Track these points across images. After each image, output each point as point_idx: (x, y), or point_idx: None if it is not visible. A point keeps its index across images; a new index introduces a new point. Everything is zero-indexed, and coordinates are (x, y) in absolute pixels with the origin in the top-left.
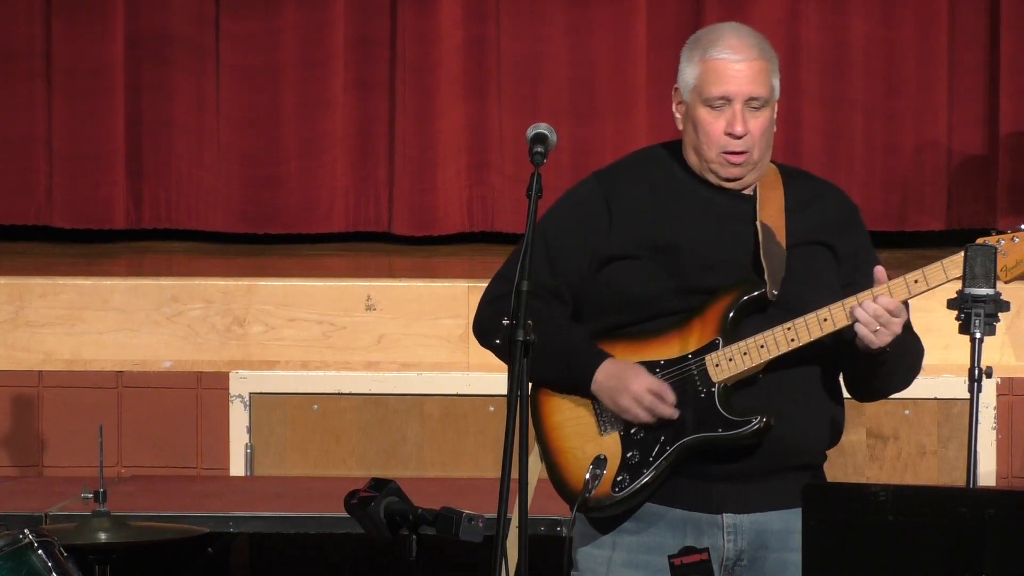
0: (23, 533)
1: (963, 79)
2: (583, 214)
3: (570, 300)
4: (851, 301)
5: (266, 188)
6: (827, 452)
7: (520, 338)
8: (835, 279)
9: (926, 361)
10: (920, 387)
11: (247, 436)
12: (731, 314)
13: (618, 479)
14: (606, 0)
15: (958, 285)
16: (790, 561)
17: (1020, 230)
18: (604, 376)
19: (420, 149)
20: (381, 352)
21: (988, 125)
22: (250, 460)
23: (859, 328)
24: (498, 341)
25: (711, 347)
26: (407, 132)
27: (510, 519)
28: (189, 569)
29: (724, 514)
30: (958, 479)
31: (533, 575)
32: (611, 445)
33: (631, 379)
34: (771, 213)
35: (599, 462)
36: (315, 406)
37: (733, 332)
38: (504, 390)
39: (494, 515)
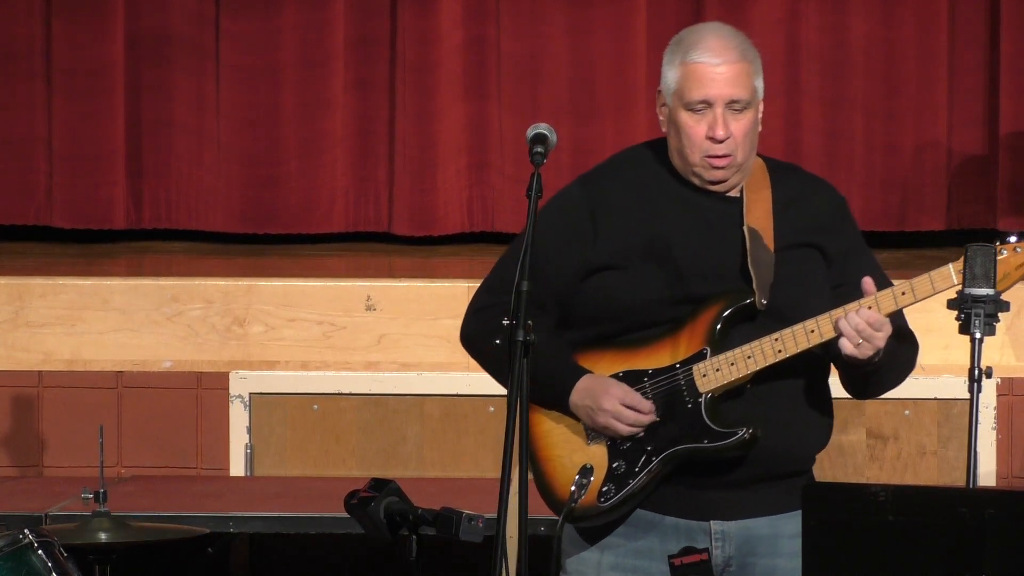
0: (23, 533)
1: (963, 79)
2: (567, 222)
3: (554, 309)
4: (838, 312)
5: (266, 188)
6: (817, 456)
7: (520, 338)
8: (825, 282)
9: (926, 361)
10: (920, 387)
11: (247, 436)
12: (719, 325)
13: (603, 489)
14: (606, 0)
15: (951, 294)
16: (778, 567)
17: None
18: (578, 396)
19: (420, 149)
20: (381, 352)
21: (988, 125)
22: (250, 460)
23: (842, 342)
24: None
25: (699, 357)
26: (407, 132)
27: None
28: (189, 569)
29: (712, 521)
30: (958, 479)
31: (533, 575)
32: (598, 454)
33: (601, 396)
34: (758, 216)
35: (585, 471)
36: (315, 406)
37: (722, 341)
38: (504, 390)
39: (494, 515)
